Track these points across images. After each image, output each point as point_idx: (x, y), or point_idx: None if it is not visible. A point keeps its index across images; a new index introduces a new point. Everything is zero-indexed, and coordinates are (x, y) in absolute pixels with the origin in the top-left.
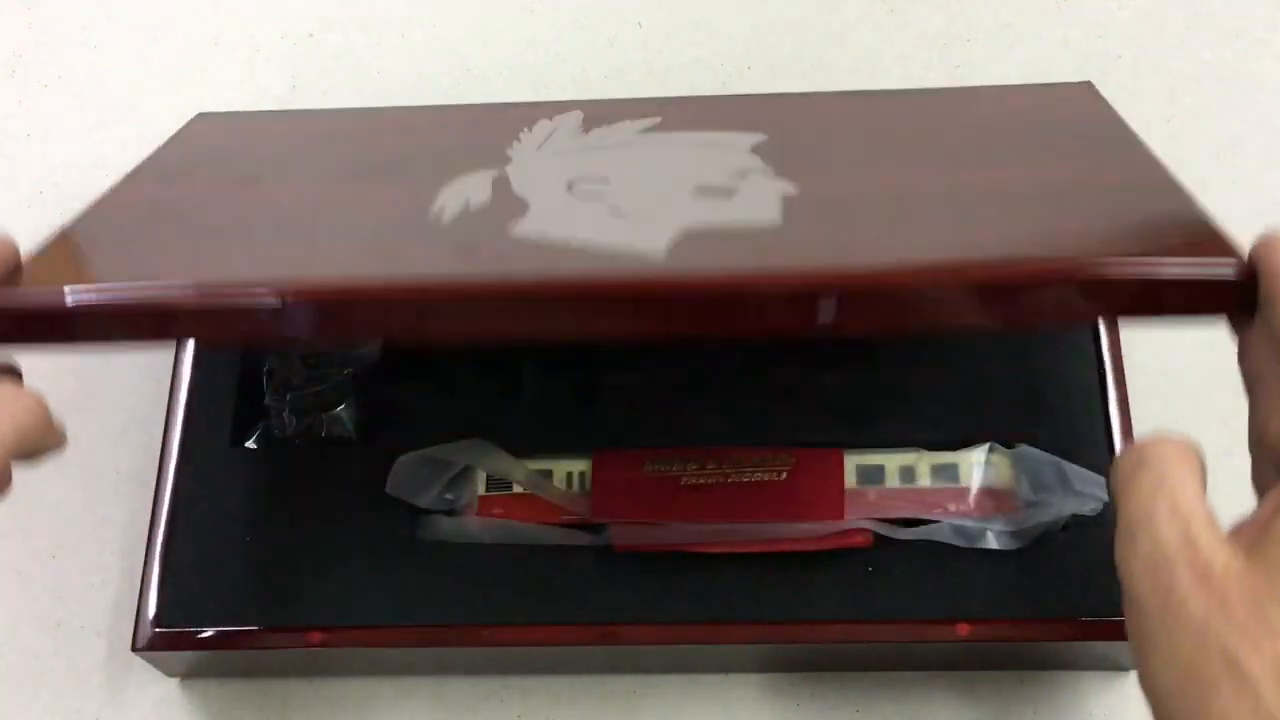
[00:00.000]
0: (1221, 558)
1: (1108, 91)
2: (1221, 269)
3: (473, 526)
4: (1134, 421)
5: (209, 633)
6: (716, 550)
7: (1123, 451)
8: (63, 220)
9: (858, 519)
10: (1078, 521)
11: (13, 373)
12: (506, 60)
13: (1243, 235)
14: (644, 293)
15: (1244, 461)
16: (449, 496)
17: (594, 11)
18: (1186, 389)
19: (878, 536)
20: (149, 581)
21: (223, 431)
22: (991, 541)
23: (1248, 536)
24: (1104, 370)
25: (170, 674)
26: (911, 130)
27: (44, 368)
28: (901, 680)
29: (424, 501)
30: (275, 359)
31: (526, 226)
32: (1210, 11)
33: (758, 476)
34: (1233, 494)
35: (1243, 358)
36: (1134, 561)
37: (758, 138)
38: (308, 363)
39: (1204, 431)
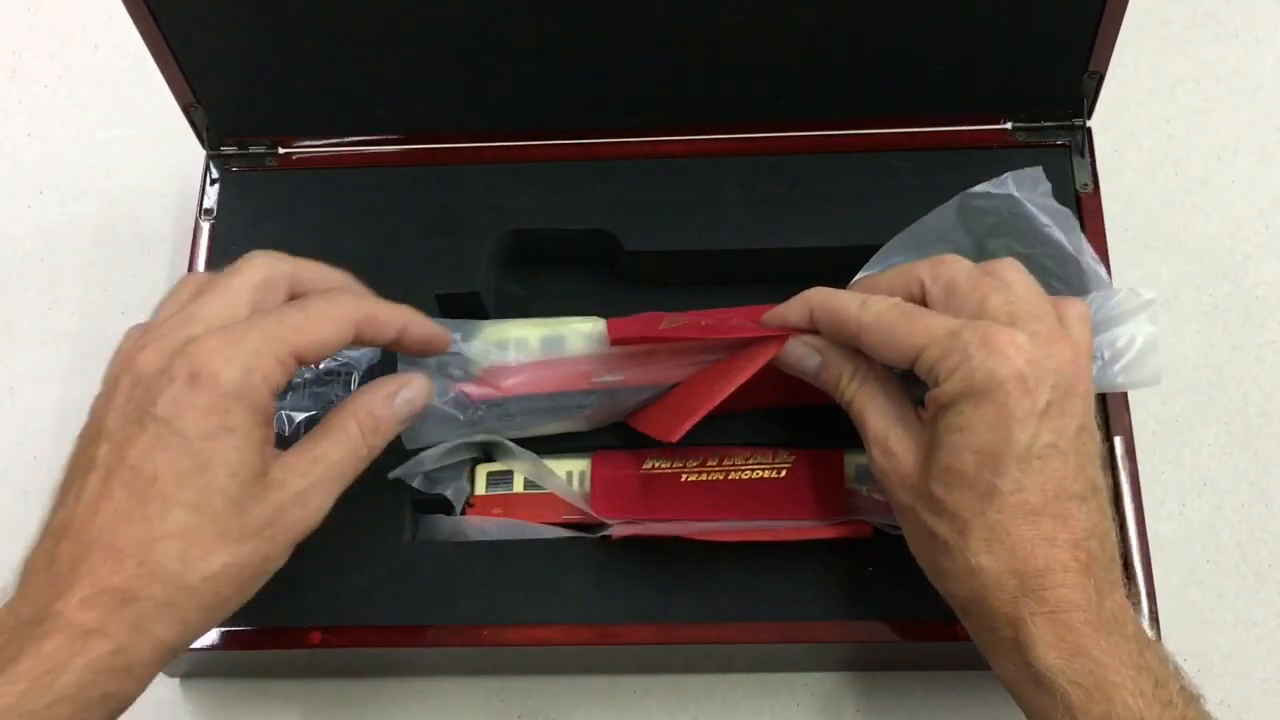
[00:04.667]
0: (908, 469)
1: (1108, 91)
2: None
3: (473, 526)
4: (1134, 421)
5: (209, 633)
6: (714, 539)
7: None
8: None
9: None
10: None
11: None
12: None
13: (1244, 235)
14: None
15: (1244, 462)
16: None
17: None
18: (1186, 389)
19: (879, 532)
20: None
21: None
22: None
23: (924, 440)
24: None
25: (170, 674)
26: None
27: (44, 368)
28: (901, 680)
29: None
30: None
31: None
32: (1210, 11)
33: (758, 474)
34: (1233, 493)
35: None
36: (875, 476)
37: None
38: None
39: (1204, 431)
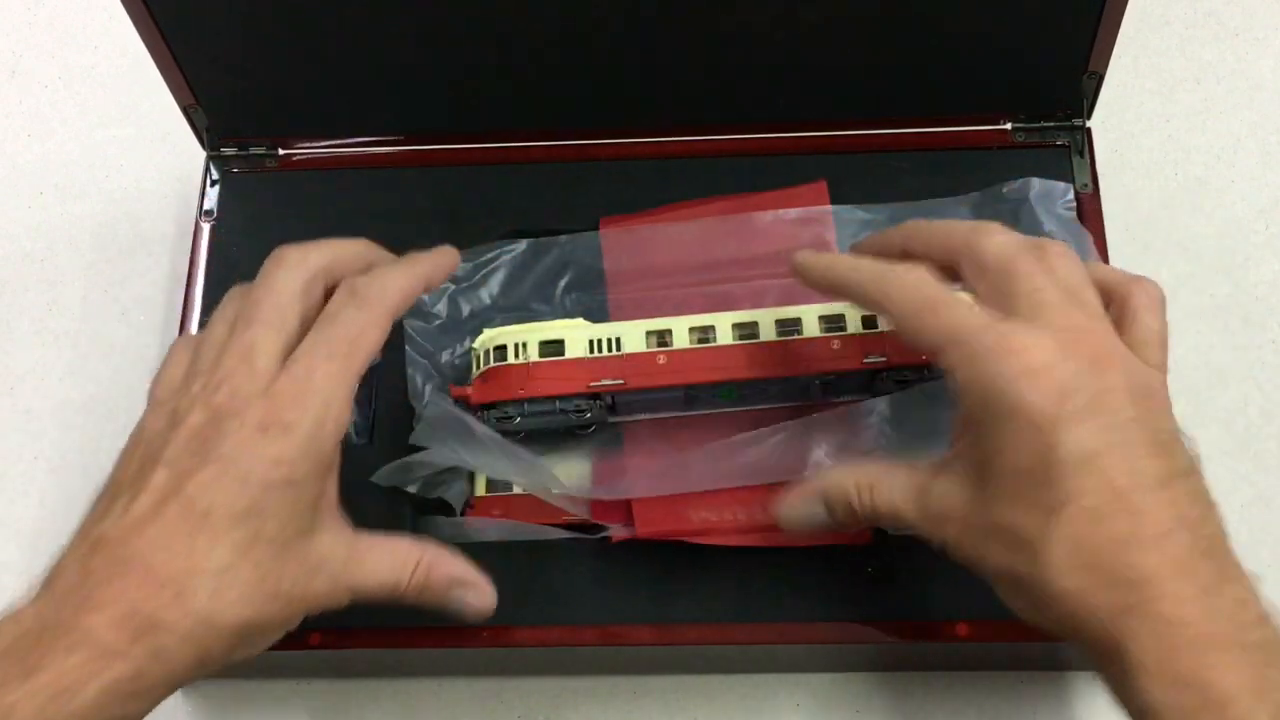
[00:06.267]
0: (959, 512)
1: (1108, 91)
2: None
3: (473, 528)
4: None
5: None
6: (714, 542)
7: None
8: (62, 219)
9: None
10: None
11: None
12: None
13: (1244, 235)
14: None
15: (1244, 462)
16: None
17: None
18: (1186, 389)
19: (877, 537)
20: None
21: None
22: None
23: (967, 473)
24: None
25: None
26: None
27: (44, 368)
28: (901, 680)
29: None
30: None
31: None
32: (1210, 11)
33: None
34: (1233, 493)
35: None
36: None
37: None
38: None
39: (1204, 431)
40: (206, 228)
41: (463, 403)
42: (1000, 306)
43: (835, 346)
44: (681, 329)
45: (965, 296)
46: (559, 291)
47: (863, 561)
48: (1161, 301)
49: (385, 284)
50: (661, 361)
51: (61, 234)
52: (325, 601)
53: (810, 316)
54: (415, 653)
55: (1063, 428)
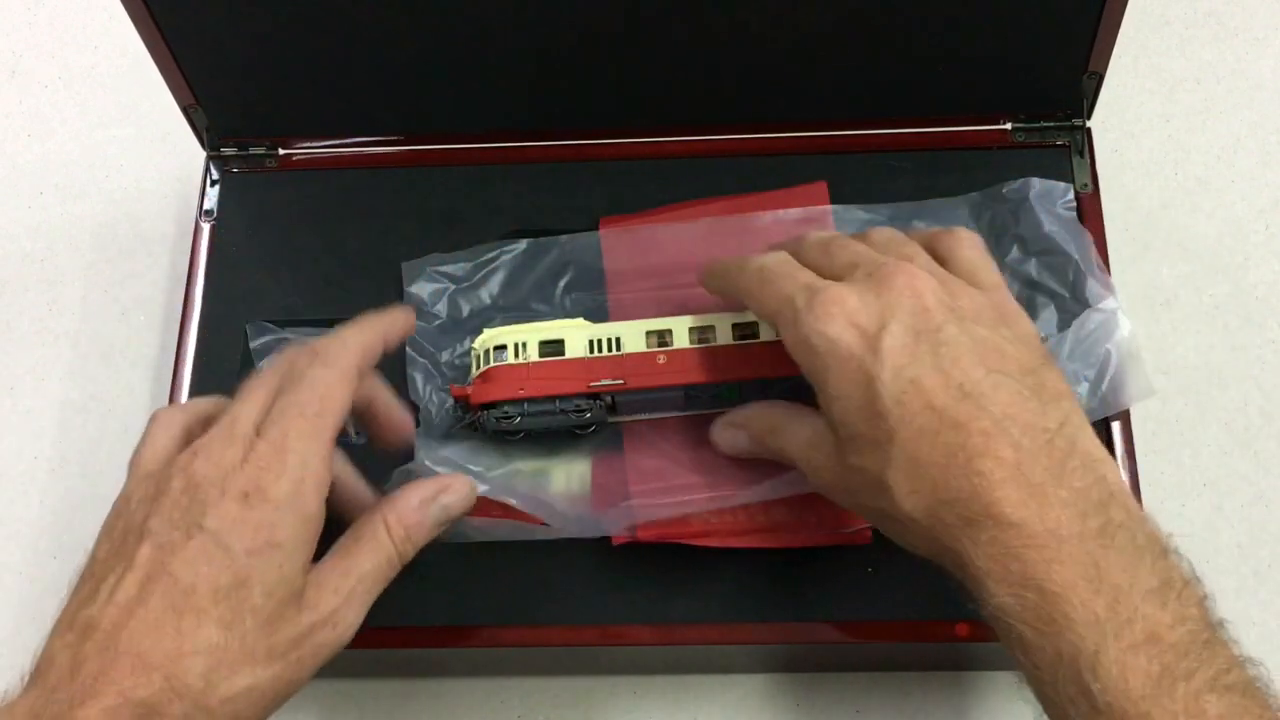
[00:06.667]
0: (831, 467)
1: (1108, 91)
2: None
3: (473, 527)
4: (1134, 421)
5: None
6: (715, 545)
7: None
8: (62, 219)
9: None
10: None
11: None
12: None
13: (1244, 235)
14: None
15: (1244, 462)
16: None
17: None
18: (1186, 389)
19: (877, 535)
20: None
21: None
22: None
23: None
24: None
25: None
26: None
27: (44, 368)
28: (901, 680)
29: None
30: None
31: None
32: (1210, 11)
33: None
34: (1233, 493)
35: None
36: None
37: None
38: None
39: (1204, 431)
40: (206, 228)
41: (463, 402)
42: (825, 278)
43: None
44: (681, 329)
45: (802, 269)
46: (559, 291)
47: (862, 561)
48: (974, 240)
49: (345, 341)
50: (661, 361)
51: (61, 234)
52: (337, 644)
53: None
54: (415, 652)
55: (878, 361)
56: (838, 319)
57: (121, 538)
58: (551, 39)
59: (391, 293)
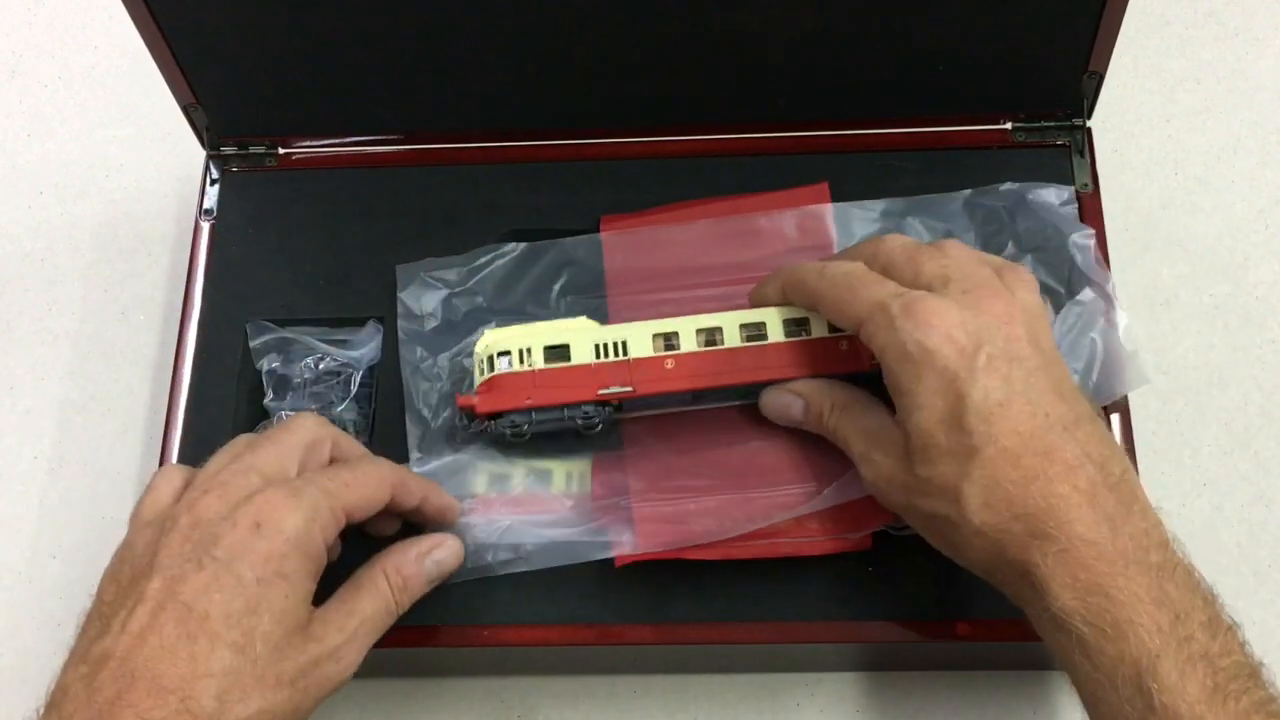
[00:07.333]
0: (892, 468)
1: (1108, 91)
2: None
3: (472, 527)
4: (1134, 420)
5: None
6: (714, 558)
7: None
8: (62, 220)
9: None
10: None
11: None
12: None
13: (1244, 235)
14: None
15: (1244, 462)
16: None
17: None
18: (1186, 389)
19: (877, 537)
20: None
21: (223, 432)
22: None
23: (900, 437)
24: None
25: None
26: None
27: (44, 368)
28: (901, 680)
29: None
30: (275, 359)
31: None
32: (1210, 11)
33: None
34: (1233, 493)
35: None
36: (871, 491)
37: None
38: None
39: (1204, 431)
40: (206, 227)
41: (468, 411)
42: (911, 288)
43: (843, 348)
44: (689, 330)
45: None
46: (554, 295)
47: (863, 562)
48: (1034, 284)
49: (384, 465)
50: (669, 366)
51: (61, 234)
52: (339, 678)
53: (819, 317)
54: (415, 652)
55: (972, 379)
56: (938, 330)
57: (130, 578)
58: (551, 39)
59: (390, 292)
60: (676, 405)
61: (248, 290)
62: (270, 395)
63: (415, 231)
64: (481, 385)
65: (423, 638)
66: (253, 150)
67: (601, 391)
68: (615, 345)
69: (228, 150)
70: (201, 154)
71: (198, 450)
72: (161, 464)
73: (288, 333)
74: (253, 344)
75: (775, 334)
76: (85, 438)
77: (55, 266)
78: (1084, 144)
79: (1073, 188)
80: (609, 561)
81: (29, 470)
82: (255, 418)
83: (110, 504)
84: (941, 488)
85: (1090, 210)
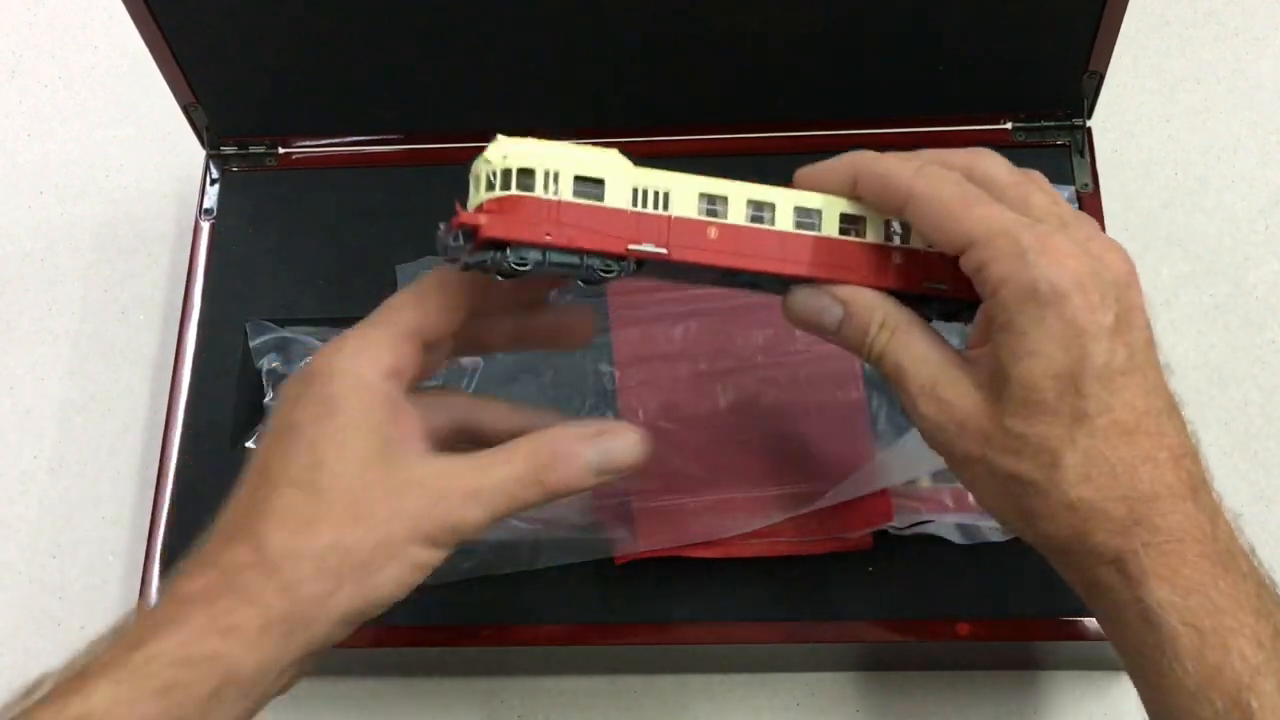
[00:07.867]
0: (968, 413)
1: (1108, 91)
2: None
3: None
4: None
5: None
6: (714, 557)
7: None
8: (62, 220)
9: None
10: None
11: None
12: None
13: (1244, 235)
14: None
15: (1244, 462)
16: None
17: None
18: (1186, 389)
19: (877, 537)
20: (149, 582)
21: (223, 432)
22: (991, 535)
23: (983, 378)
24: None
25: None
26: None
27: (44, 368)
28: (901, 680)
29: None
30: (275, 359)
31: None
32: (1210, 11)
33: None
34: (1233, 493)
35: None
36: (925, 434)
37: None
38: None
39: (1204, 431)
40: (206, 226)
41: (466, 231)
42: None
43: (896, 261)
44: (739, 200)
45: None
46: (553, 294)
47: (863, 561)
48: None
49: (449, 273)
50: (712, 235)
51: (61, 234)
52: (430, 518)
53: (876, 218)
54: (416, 652)
55: (1099, 338)
56: (1073, 275)
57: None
58: (551, 39)
59: (390, 292)
60: (701, 282)
61: (248, 290)
62: (270, 395)
63: (415, 231)
64: (491, 203)
65: (423, 638)
66: (253, 150)
67: (633, 247)
68: (656, 196)
69: (228, 150)
70: (201, 154)
71: (198, 450)
72: (161, 464)
73: (288, 333)
74: (253, 344)
75: (830, 227)
76: (85, 438)
77: (55, 266)
78: (1084, 144)
79: (1073, 188)
80: (609, 561)
81: (29, 470)
82: (255, 417)
83: (110, 504)
84: (1038, 449)
85: (1090, 210)
